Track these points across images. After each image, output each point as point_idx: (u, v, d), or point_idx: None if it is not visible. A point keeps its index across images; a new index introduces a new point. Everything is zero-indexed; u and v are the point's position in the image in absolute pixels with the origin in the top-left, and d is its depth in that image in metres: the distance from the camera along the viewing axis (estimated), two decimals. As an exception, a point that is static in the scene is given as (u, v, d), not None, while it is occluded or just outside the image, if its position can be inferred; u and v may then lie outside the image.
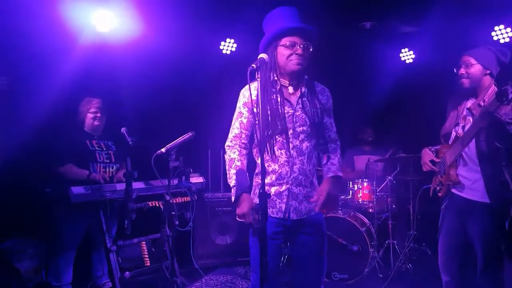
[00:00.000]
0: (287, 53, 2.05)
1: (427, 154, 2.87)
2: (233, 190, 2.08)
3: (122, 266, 3.31)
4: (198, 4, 4.33)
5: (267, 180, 2.15)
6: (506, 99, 2.04)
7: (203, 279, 4.20)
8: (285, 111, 2.10)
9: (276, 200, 2.12)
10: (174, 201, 3.18)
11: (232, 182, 2.10)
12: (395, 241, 4.28)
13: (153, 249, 3.70)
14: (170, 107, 4.84)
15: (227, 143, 2.23)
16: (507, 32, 4.28)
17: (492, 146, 2.40)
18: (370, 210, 4.53)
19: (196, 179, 3.73)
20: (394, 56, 5.53)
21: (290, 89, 2.14)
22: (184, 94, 4.91)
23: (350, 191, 4.62)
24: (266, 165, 2.12)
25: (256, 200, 2.00)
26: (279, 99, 2.03)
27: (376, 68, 5.47)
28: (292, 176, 2.10)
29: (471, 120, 2.58)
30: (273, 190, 2.12)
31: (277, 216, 2.11)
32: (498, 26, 4.34)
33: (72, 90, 3.69)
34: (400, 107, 5.61)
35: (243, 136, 2.19)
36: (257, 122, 2.06)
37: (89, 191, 2.98)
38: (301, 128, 2.11)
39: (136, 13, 4.11)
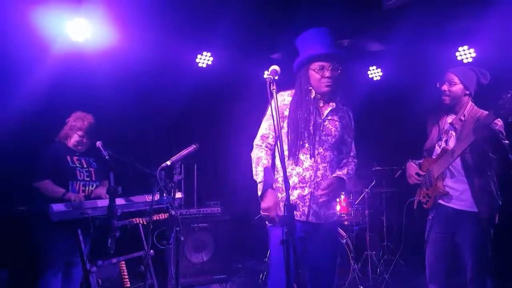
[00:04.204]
0: (318, 77, 2.24)
1: (412, 167, 2.95)
2: (259, 186, 2.22)
3: (101, 288, 3.11)
4: (175, 17, 4.28)
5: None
6: (503, 112, 2.16)
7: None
8: (316, 119, 2.26)
9: (299, 203, 2.22)
10: (155, 218, 3.02)
11: (259, 178, 2.24)
12: (373, 252, 4.37)
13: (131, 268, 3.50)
14: (146, 119, 4.70)
15: (256, 141, 2.38)
16: (470, 53, 4.56)
17: (478, 157, 2.52)
18: (346, 223, 4.60)
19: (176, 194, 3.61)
20: (363, 73, 5.73)
21: (321, 103, 2.32)
22: (160, 107, 4.81)
23: (328, 204, 4.66)
24: (290, 168, 2.25)
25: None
26: (311, 108, 2.22)
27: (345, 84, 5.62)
28: (315, 181, 2.23)
29: (453, 134, 2.71)
30: (295, 193, 2.23)
31: (301, 219, 2.21)
32: (462, 46, 4.62)
33: (45, 100, 3.51)
34: (368, 122, 5.79)
35: (270, 137, 2.34)
36: (284, 127, 2.27)
37: (70, 208, 2.79)
38: (326, 138, 2.27)
39: (111, 23, 4.00)
